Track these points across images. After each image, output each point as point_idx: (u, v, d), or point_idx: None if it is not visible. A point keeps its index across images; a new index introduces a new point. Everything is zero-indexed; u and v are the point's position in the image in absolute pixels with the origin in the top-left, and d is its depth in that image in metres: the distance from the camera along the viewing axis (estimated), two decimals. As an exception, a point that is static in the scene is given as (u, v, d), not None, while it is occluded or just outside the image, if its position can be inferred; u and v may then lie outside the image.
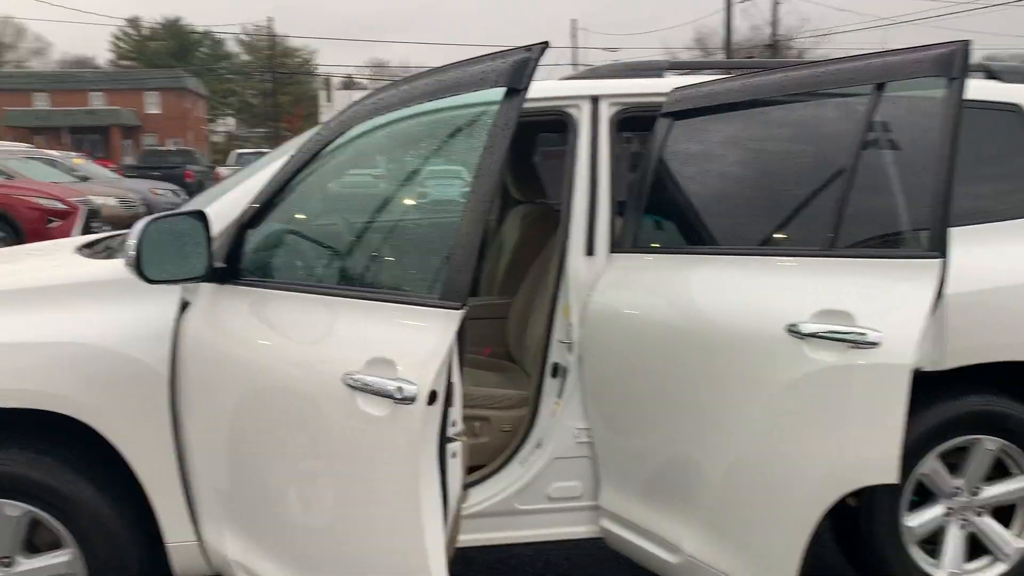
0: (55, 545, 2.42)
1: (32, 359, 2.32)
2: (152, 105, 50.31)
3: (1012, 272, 2.80)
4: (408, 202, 2.34)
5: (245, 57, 68.63)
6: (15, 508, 2.35)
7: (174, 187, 18.36)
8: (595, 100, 2.80)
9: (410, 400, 1.64)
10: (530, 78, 1.76)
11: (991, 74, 3.05)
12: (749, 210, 2.42)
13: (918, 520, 2.83)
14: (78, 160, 18.46)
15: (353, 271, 2.22)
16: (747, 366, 2.13)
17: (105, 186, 15.60)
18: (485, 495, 2.70)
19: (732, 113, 2.47)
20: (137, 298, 2.37)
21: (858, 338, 1.91)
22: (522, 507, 2.71)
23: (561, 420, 2.70)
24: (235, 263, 2.34)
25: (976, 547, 2.91)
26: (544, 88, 2.86)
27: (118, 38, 63.81)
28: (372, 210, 2.26)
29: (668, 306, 2.39)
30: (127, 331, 2.36)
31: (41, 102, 49.01)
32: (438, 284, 1.74)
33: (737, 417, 2.17)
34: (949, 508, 2.86)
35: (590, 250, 2.72)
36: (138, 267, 2.15)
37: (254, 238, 2.33)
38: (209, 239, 2.29)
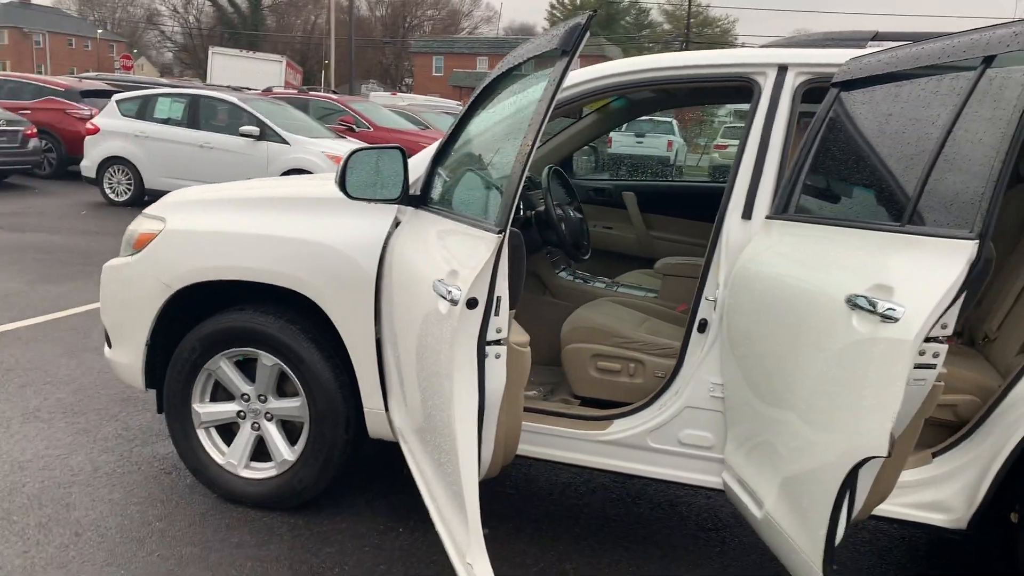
0: (293, 394, 3.23)
1: (290, 250, 3.10)
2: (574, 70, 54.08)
3: None
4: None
5: (666, 27, 70.28)
6: (269, 359, 3.19)
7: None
8: (783, 69, 2.84)
9: (454, 303, 2.04)
10: (578, 43, 2.00)
11: None
12: (869, 185, 2.33)
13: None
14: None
15: (469, 203, 2.62)
16: (816, 332, 2.14)
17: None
18: (624, 426, 2.97)
19: (881, 86, 2.38)
20: (363, 213, 3.03)
21: (888, 312, 1.86)
22: (654, 444, 2.93)
23: (699, 373, 2.85)
24: (427, 193, 2.90)
25: None
26: (733, 55, 2.96)
27: (554, 7, 69.31)
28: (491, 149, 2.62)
29: (784, 273, 2.43)
30: (352, 237, 3.03)
31: (483, 66, 55.48)
32: (492, 216, 2.10)
33: (802, 382, 2.20)
34: None
35: (747, 214, 2.80)
36: (342, 185, 2.81)
37: (442, 175, 2.86)
38: (406, 170, 2.86)
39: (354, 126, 14.75)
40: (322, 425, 3.14)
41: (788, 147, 2.80)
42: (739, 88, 2.94)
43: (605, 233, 4.63)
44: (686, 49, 53.70)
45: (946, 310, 1.81)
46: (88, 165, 12.03)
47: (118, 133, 11.83)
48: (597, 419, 3.02)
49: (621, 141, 24.78)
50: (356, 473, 3.62)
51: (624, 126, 26.11)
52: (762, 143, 2.82)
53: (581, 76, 3.02)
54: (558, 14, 68.18)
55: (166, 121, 11.81)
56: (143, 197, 11.77)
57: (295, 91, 19.65)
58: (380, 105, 17.63)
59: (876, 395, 1.85)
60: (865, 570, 3.13)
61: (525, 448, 3.03)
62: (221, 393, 3.33)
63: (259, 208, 3.24)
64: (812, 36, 3.05)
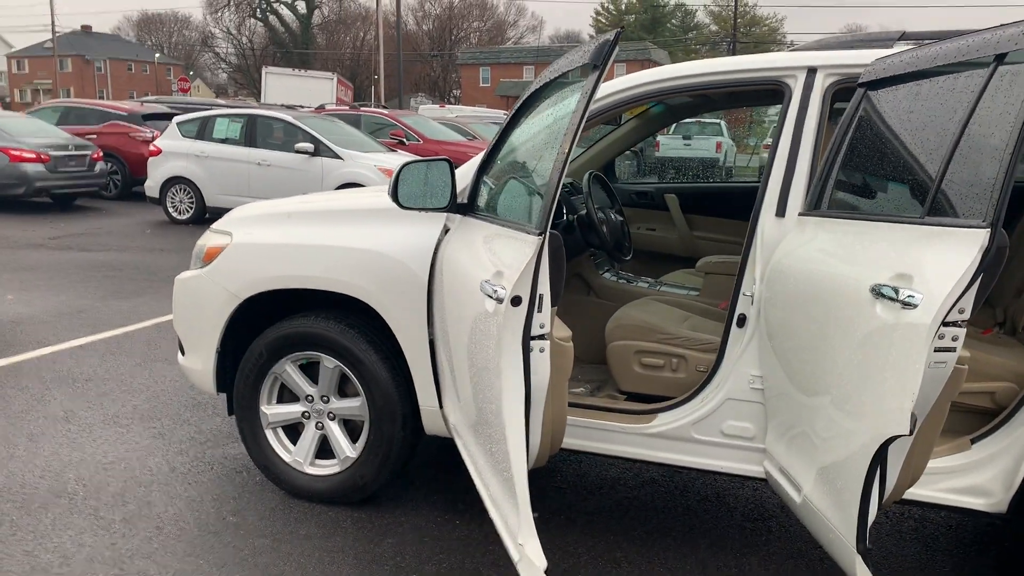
0: (353, 394, 3.43)
1: (348, 259, 3.30)
2: (619, 76, 54.10)
3: None
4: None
5: (713, 28, 69.78)
6: (331, 361, 3.39)
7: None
8: (812, 71, 2.95)
9: (500, 301, 2.20)
10: (607, 57, 2.15)
11: None
12: (893, 180, 2.42)
13: None
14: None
15: (512, 209, 2.77)
16: (844, 321, 2.25)
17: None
18: (668, 419, 3.09)
19: (903, 85, 2.47)
20: (415, 222, 3.22)
21: (908, 299, 1.96)
22: (698, 436, 3.04)
23: (739, 366, 2.96)
24: (474, 200, 3.07)
25: None
26: (764, 59, 3.07)
27: (599, 13, 69.41)
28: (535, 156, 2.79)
29: (815, 267, 2.53)
30: (405, 245, 3.22)
31: (529, 74, 55.80)
32: (534, 220, 2.26)
33: (833, 369, 2.30)
34: None
35: (781, 212, 2.90)
36: (394, 196, 3.00)
37: (487, 183, 3.03)
38: (454, 180, 3.04)
39: (404, 139, 15.08)
40: (381, 423, 3.33)
41: (819, 146, 2.90)
42: (771, 91, 3.06)
43: (648, 235, 4.75)
44: (734, 50, 53.29)
45: (961, 295, 1.90)
46: (151, 185, 12.54)
47: (179, 154, 12.31)
48: (642, 413, 3.15)
49: (668, 144, 24.73)
50: (414, 469, 3.80)
51: (671, 129, 26.14)
52: (794, 143, 2.92)
53: (619, 85, 3.16)
54: (603, 20, 68.22)
55: (224, 141, 12.26)
56: (204, 215, 12.22)
57: (347, 107, 20.10)
58: (429, 118, 17.96)
59: (898, 377, 1.95)
60: (911, 556, 3.19)
61: (574, 442, 3.18)
62: (287, 395, 3.55)
63: (317, 220, 3.45)
64: (840, 38, 3.14)
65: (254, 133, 12.21)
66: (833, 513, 2.30)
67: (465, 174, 3.15)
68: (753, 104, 4.73)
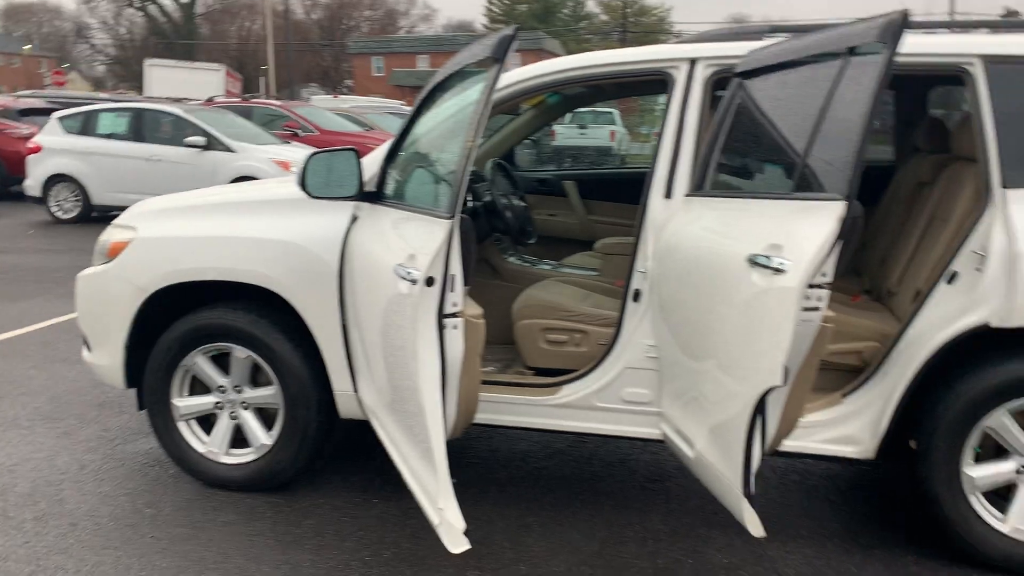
0: (266, 383, 3.49)
1: (257, 249, 3.35)
2: (513, 65, 54.39)
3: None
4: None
5: (604, 17, 70.98)
6: (242, 352, 3.44)
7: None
8: (693, 62, 3.18)
9: (414, 283, 2.34)
10: (506, 51, 2.32)
11: None
12: (766, 161, 2.70)
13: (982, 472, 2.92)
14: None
15: (421, 195, 2.92)
16: (726, 290, 2.49)
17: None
18: (572, 390, 3.29)
19: (773, 75, 2.74)
20: (323, 211, 3.30)
21: (779, 266, 2.21)
22: (600, 404, 3.25)
23: (636, 337, 3.18)
24: (382, 188, 3.18)
25: None
26: (649, 51, 3.30)
27: (491, 2, 69.53)
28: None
29: (700, 242, 2.77)
30: (314, 234, 3.29)
31: (423, 64, 55.51)
32: (444, 204, 2.41)
33: (718, 334, 2.54)
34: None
35: (668, 194, 3.14)
36: (303, 186, 3.08)
37: (394, 171, 3.14)
38: (360, 168, 3.14)
39: (299, 131, 14.89)
40: (295, 410, 3.41)
41: (702, 132, 3.15)
42: (658, 81, 3.28)
43: (550, 220, 4.95)
44: (624, 40, 54.47)
45: (823, 260, 2.16)
46: (32, 184, 11.99)
47: (62, 150, 11.82)
48: (548, 386, 3.34)
49: (565, 133, 25.22)
50: (332, 453, 3.89)
51: (568, 118, 26.66)
52: (678, 130, 3.16)
53: (516, 76, 3.33)
54: (495, 9, 68.45)
55: (110, 136, 11.85)
56: (91, 213, 11.79)
57: (237, 99, 19.63)
58: (323, 109, 17.76)
59: (772, 335, 2.20)
60: (795, 505, 3.50)
61: (487, 417, 3.34)
62: (198, 387, 3.57)
63: (224, 212, 3.49)
64: (719, 31, 3.39)
65: (142, 127, 11.84)
66: (722, 464, 2.54)
67: (371, 163, 3.25)
68: (642, 94, 4.99)
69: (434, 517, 2.43)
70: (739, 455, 2.38)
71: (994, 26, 3.19)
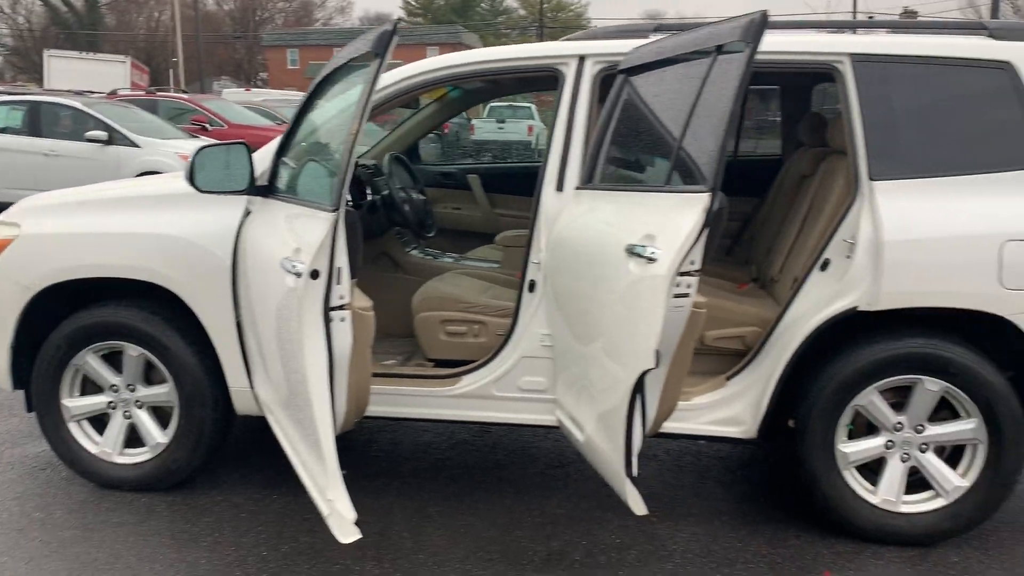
0: (160, 381, 3.43)
1: (147, 245, 3.29)
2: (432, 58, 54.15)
3: (967, 223, 2.94)
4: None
5: (522, 12, 71.21)
6: (135, 350, 3.38)
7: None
8: (582, 59, 3.27)
9: (299, 275, 2.36)
10: (386, 46, 2.35)
11: (991, 33, 3.11)
12: (645, 155, 2.81)
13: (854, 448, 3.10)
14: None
15: (309, 189, 2.93)
16: (608, 278, 2.58)
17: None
18: (471, 381, 3.34)
19: (653, 72, 2.85)
20: (215, 206, 3.26)
21: (651, 255, 2.32)
22: (498, 393, 3.32)
23: (531, 327, 3.26)
24: (274, 182, 3.17)
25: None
26: (541, 48, 3.37)
27: (408, -6, 68.93)
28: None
29: (587, 233, 2.86)
30: (206, 229, 3.26)
31: (339, 57, 54.64)
32: (328, 198, 2.43)
33: (602, 321, 2.64)
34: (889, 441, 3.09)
35: (560, 187, 3.22)
36: (191, 180, 3.05)
37: (285, 165, 3.13)
38: (251, 162, 3.12)
39: (207, 125, 14.53)
40: (191, 407, 3.37)
41: (590, 127, 3.23)
42: (551, 77, 3.35)
43: (454, 213, 4.99)
44: (542, 35, 54.81)
45: (690, 249, 2.26)
46: (-82, 180, 11.38)
47: (-48, 145, 11.26)
48: (448, 377, 3.38)
49: (483, 128, 25.39)
50: (231, 450, 3.86)
51: (486, 113, 26.78)
52: (568, 124, 3.23)
53: (411, 70, 3.35)
54: (413, 2, 67.93)
55: (4, 130, 11.34)
56: (-15, 210, 11.26)
57: (143, 92, 19.03)
58: (233, 102, 17.37)
59: (645, 321, 2.30)
60: (688, 485, 3.64)
61: (387, 409, 3.37)
62: (90, 386, 3.49)
63: (114, 207, 3.42)
64: (607, 28, 3.49)
65: (38, 121, 11.37)
66: (607, 447, 2.63)
67: (264, 157, 3.23)
68: (537, 89, 5.06)
69: (324, 508, 2.45)
70: (621, 437, 2.48)
71: (865, 26, 3.38)
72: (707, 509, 3.41)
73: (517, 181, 5.07)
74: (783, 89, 4.64)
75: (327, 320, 2.39)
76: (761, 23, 2.19)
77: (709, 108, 2.32)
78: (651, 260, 2.32)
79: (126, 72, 26.49)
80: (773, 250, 3.86)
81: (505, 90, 4.84)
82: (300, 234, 2.51)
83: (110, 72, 25.52)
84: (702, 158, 2.29)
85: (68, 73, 24.74)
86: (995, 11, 22.41)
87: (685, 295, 2.38)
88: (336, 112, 2.80)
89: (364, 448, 4.01)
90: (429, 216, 4.13)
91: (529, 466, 3.82)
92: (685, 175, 2.39)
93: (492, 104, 29.01)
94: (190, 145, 11.41)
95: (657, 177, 2.61)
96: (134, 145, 11.06)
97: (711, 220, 2.21)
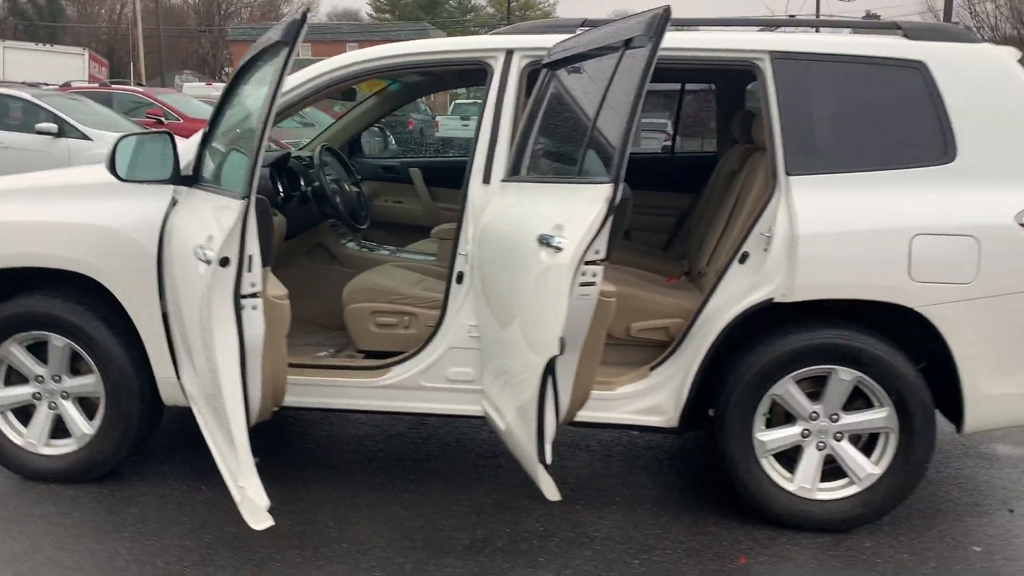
0: (87, 371, 3.41)
1: (73, 235, 3.27)
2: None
3: (878, 218, 3.02)
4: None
5: (490, 10, 71.20)
6: (60, 340, 3.35)
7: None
8: (510, 53, 3.30)
9: (209, 263, 2.37)
10: (295, 36, 2.37)
11: (905, 33, 3.20)
12: (562, 148, 2.87)
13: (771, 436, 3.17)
14: (308, 109, 20.60)
15: (226, 177, 2.94)
16: (523, 268, 2.63)
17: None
18: (400, 371, 3.36)
19: (572, 66, 2.89)
20: (142, 196, 3.25)
21: (558, 244, 2.37)
22: (426, 384, 3.34)
23: (459, 318, 3.29)
24: (199, 171, 3.16)
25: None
26: (470, 41, 3.40)
27: (376, -10, 68.60)
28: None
29: (508, 224, 2.90)
30: (132, 219, 3.24)
31: (306, 52, 54.29)
32: (240, 186, 2.44)
33: (519, 310, 2.68)
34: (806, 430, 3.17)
35: (487, 179, 3.25)
36: (112, 169, 3.04)
37: (208, 154, 3.13)
38: (175, 151, 3.12)
39: (163, 118, 14.36)
40: (118, 398, 3.35)
41: (517, 120, 3.27)
42: (478, 71, 3.38)
43: (396, 207, 5.01)
44: (508, 32, 54.81)
45: (593, 239, 2.31)
46: None
47: None
48: (377, 368, 3.40)
49: (448, 124, 25.49)
50: (162, 441, 3.84)
51: (450, 110, 26.77)
52: (495, 118, 3.27)
53: (339, 62, 3.36)
54: (381, -1, 67.66)
55: (-49, 122, 11.14)
56: (-69, 203, 11.04)
57: (96, 85, 18.75)
58: (192, 97, 17.19)
59: (551, 309, 2.34)
60: (616, 474, 3.70)
61: (315, 400, 3.38)
62: (15, 377, 3.46)
63: (39, 197, 3.39)
64: (535, 23, 3.52)
65: (-13, 113, 11.18)
66: (524, 435, 2.67)
67: (190, 147, 3.23)
68: (471, 84, 5.10)
69: (236, 495, 2.46)
70: (534, 423, 2.52)
71: (787, 25, 3.45)
72: (632, 497, 3.47)
73: (459, 175, 5.10)
74: (718, 87, 4.72)
75: (238, 308, 2.40)
76: (664, 18, 2.24)
77: (616, 102, 2.36)
78: (558, 249, 2.36)
79: (84, 64, 26.11)
80: (703, 244, 3.93)
81: (445, 84, 4.87)
82: (215, 222, 2.52)
83: (67, 64, 25.13)
84: (608, 151, 2.34)
85: (23, 65, 24.29)
86: (948, 14, 22.89)
87: (591, 284, 2.43)
88: (251, 101, 2.81)
89: (298, 440, 4.02)
90: (363, 208, 4.14)
91: (461, 457, 3.85)
92: (594, 167, 2.44)
93: (457, 101, 29.06)
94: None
95: (571, 169, 2.65)
96: (85, 138, 10.92)
97: (613, 211, 2.26)
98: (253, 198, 2.35)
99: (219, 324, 2.38)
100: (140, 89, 17.03)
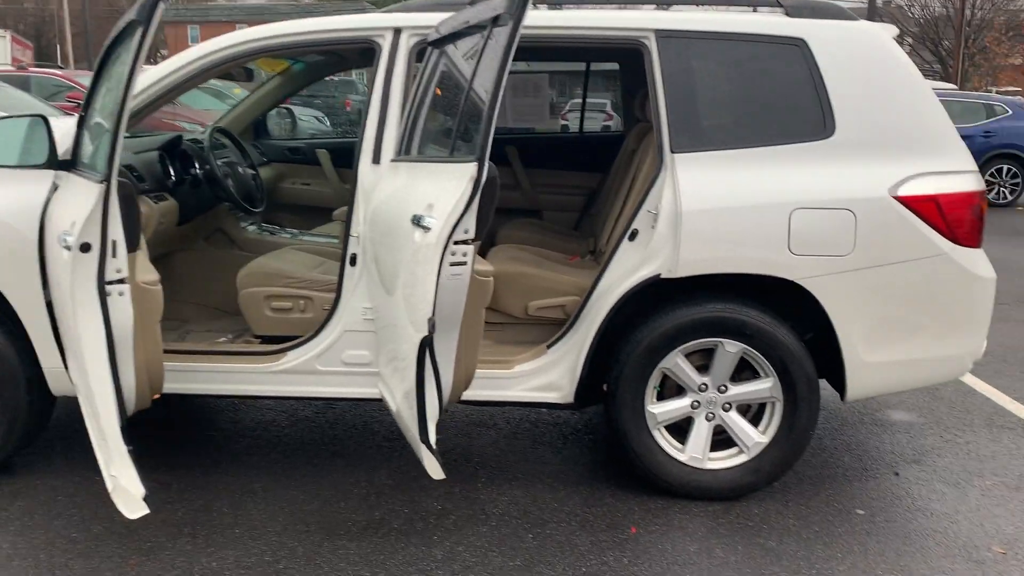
0: (-29, 363, 3.30)
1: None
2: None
3: (758, 193, 3.08)
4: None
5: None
6: (-59, 331, 3.25)
7: (319, 115, 19.67)
8: (397, 31, 3.27)
9: (70, 249, 2.32)
10: (150, 15, 2.32)
11: (786, 11, 3.26)
12: (440, 127, 2.86)
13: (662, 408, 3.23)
14: (238, 91, 20.19)
15: (94, 161, 2.88)
16: (401, 248, 2.62)
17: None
18: (295, 356, 3.33)
19: (452, 44, 2.88)
20: (20, 181, 3.15)
21: (427, 224, 2.37)
22: (322, 368, 3.32)
23: (353, 301, 3.27)
24: (77, 155, 3.08)
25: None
26: (357, 19, 3.36)
27: (314, -29, 67.27)
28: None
29: (392, 205, 2.88)
30: (9, 206, 3.15)
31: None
32: (99, 167, 2.39)
33: (401, 291, 2.68)
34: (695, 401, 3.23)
35: (377, 159, 3.23)
36: (-20, 155, 2.94)
37: (82, 138, 3.05)
38: (51, 135, 3.03)
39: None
40: (3, 390, 3.26)
41: (406, 99, 3.25)
42: (366, 49, 3.35)
43: (304, 189, 4.95)
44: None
45: (460, 219, 2.31)
46: None
47: None
48: (272, 353, 3.37)
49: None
50: (57, 433, 3.76)
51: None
52: (383, 96, 3.24)
53: (224, 42, 3.29)
54: (319, -22, 66.27)
55: None
56: None
57: (11, 68, 18.11)
58: (117, 79, 16.65)
59: (423, 289, 2.34)
60: (519, 451, 3.73)
61: (211, 387, 3.34)
62: None
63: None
64: (424, 2, 3.49)
65: None
66: (410, 416, 2.68)
67: (69, 131, 3.14)
68: (367, 65, 5.04)
69: (109, 483, 2.42)
70: (414, 404, 2.52)
71: (673, 3, 3.48)
72: (532, 473, 3.51)
73: None
74: (621, 66, 4.75)
75: (103, 295, 2.35)
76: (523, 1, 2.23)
77: (482, 80, 2.36)
78: (427, 229, 2.36)
79: (6, 47, 25.21)
80: (606, 222, 3.97)
81: (348, 64, 4.80)
82: (76, 207, 2.46)
83: (-13, 47, 24.25)
84: (474, 130, 2.34)
85: (-61, 48, 23.40)
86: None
87: (462, 263, 2.44)
88: (114, 81, 2.74)
89: (203, 427, 3.96)
90: (259, 191, 4.08)
91: (368, 439, 3.85)
92: (463, 147, 2.44)
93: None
94: (63, 123, 10.94)
95: (445, 149, 2.65)
96: (-1, 123, 10.52)
97: (479, 190, 2.26)
98: (114, 182, 2.29)
99: (83, 311, 2.32)
100: (60, 72, 16.46)
